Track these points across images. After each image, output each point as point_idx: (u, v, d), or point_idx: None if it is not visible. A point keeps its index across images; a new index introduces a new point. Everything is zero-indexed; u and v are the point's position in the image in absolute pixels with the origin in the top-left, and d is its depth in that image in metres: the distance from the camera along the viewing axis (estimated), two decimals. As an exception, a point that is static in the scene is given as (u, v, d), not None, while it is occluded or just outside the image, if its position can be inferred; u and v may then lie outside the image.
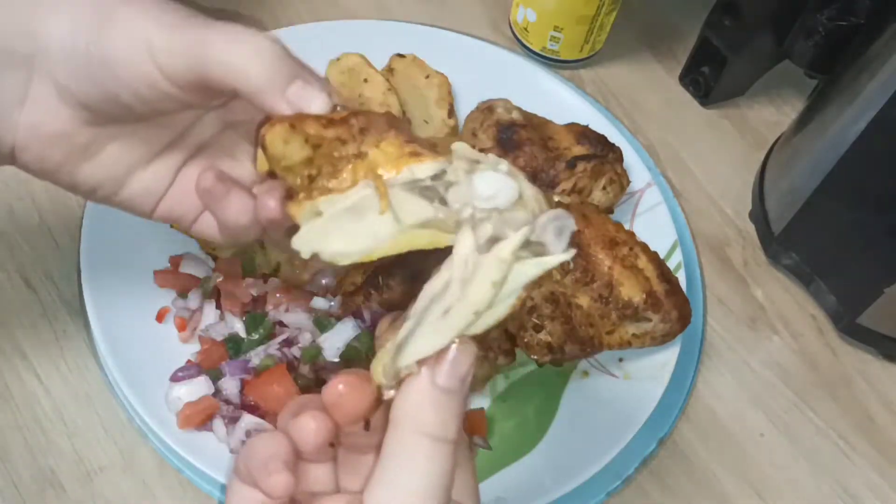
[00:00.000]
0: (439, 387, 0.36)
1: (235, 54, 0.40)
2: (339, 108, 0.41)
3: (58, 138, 0.43)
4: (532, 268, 0.37)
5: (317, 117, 0.40)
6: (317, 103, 0.40)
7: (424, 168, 0.37)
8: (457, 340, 0.37)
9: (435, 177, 0.38)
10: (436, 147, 0.39)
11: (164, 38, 0.40)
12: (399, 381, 0.37)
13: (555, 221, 0.37)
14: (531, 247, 0.37)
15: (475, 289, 0.36)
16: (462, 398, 0.37)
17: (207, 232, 0.48)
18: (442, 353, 0.37)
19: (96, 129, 0.44)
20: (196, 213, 0.48)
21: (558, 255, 0.37)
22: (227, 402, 0.61)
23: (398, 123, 0.40)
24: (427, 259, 0.38)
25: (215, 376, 0.62)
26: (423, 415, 0.36)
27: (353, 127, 0.39)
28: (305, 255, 0.39)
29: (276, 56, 0.40)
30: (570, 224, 0.37)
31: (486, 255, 0.36)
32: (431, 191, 0.38)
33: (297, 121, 0.39)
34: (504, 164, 0.37)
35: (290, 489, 0.37)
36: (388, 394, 0.38)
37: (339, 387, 0.38)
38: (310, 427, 0.38)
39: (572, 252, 0.37)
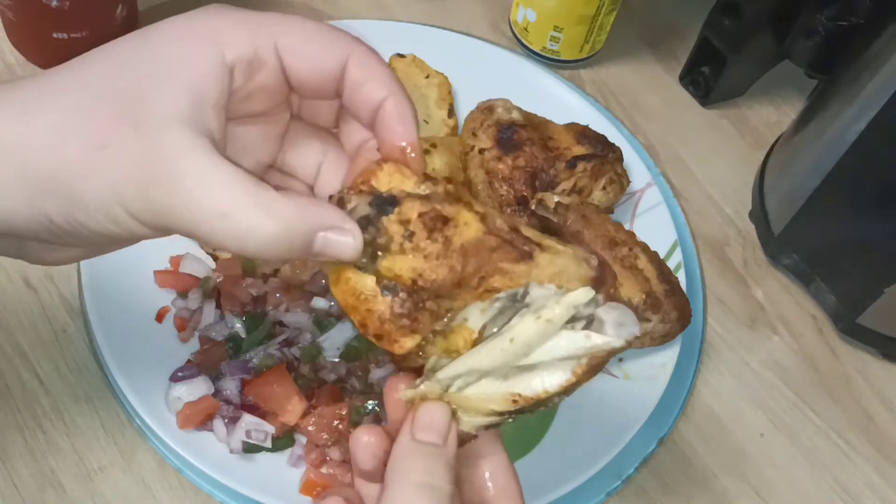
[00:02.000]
0: (419, 441, 0.38)
1: (244, 238, 0.35)
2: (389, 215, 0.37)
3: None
4: (580, 337, 0.37)
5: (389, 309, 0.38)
6: (347, 251, 0.37)
7: (508, 293, 0.38)
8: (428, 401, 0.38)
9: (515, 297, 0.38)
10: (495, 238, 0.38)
11: (146, 215, 0.36)
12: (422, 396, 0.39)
13: (618, 312, 0.37)
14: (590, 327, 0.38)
15: (519, 329, 0.37)
16: (447, 452, 0.38)
17: None
18: (418, 411, 0.38)
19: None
20: None
21: (608, 336, 0.37)
22: (227, 402, 0.61)
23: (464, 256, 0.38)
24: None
25: (215, 376, 0.62)
26: (408, 465, 0.38)
27: (425, 296, 0.38)
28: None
29: (287, 221, 0.35)
30: (634, 327, 0.37)
31: (537, 309, 0.37)
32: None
33: (379, 332, 0.38)
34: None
35: None
36: (404, 394, 0.39)
37: (400, 385, 0.39)
38: (364, 441, 0.39)
39: (622, 342, 0.37)
